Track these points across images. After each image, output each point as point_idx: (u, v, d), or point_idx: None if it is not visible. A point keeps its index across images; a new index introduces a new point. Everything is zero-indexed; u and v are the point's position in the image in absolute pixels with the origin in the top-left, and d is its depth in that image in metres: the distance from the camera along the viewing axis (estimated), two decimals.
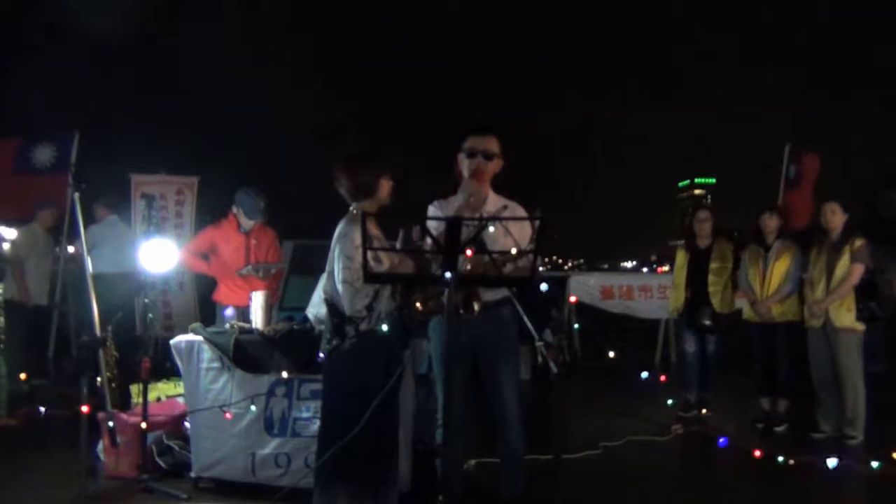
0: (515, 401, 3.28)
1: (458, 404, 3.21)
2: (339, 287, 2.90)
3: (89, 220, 5.96)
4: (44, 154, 7.17)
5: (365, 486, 2.92)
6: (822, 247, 4.97)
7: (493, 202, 3.30)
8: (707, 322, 5.30)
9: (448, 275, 2.21)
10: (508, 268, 2.88)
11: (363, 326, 2.88)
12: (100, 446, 4.09)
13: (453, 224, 2.29)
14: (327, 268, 3.01)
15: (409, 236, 2.98)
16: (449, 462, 3.02)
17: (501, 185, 3.38)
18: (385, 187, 3.10)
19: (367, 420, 2.80)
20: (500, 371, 3.26)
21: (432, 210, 3.31)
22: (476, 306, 3.07)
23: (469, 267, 2.90)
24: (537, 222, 2.96)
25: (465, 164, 3.27)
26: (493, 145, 3.27)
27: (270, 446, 3.70)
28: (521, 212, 3.27)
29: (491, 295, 3.14)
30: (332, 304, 2.96)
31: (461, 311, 3.07)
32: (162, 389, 4.64)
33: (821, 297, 4.87)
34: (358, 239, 2.83)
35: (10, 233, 6.51)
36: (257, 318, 3.87)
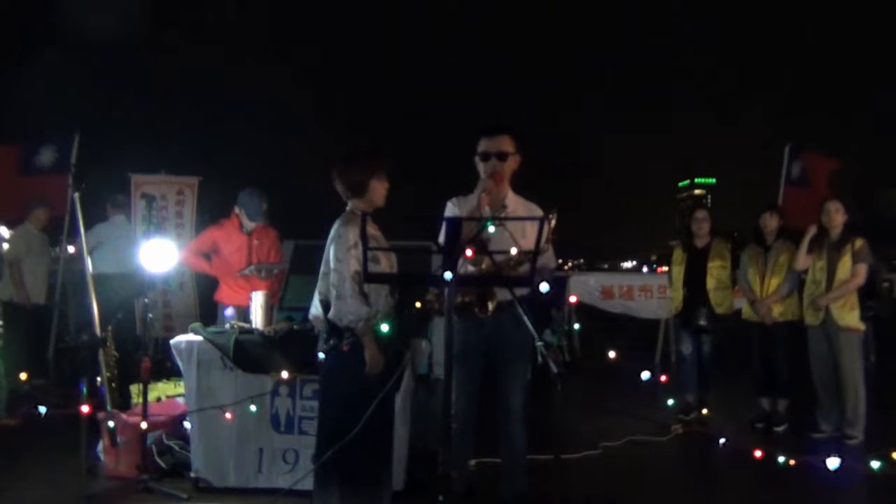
0: (522, 401, 3.27)
1: (464, 403, 3.21)
2: (331, 290, 2.90)
3: (89, 220, 5.94)
4: (46, 155, 7.17)
5: (362, 486, 2.92)
6: (821, 246, 4.96)
7: (513, 202, 3.26)
8: (703, 323, 5.24)
9: (448, 275, 2.21)
10: (525, 268, 2.85)
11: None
12: (100, 446, 4.09)
13: (453, 224, 2.28)
14: (322, 269, 3.00)
15: None
16: (450, 462, 3.02)
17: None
18: (378, 188, 3.03)
19: (364, 421, 2.80)
20: (511, 369, 3.25)
21: (450, 207, 3.29)
22: (490, 306, 3.05)
23: (483, 266, 2.89)
24: (552, 222, 2.95)
25: (480, 168, 3.23)
26: (505, 144, 3.22)
27: (272, 446, 3.71)
28: (539, 213, 3.21)
29: (507, 294, 3.08)
30: (327, 304, 2.96)
31: (476, 311, 3.07)
32: (162, 389, 4.65)
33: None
34: (352, 240, 2.83)
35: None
36: (257, 318, 3.87)
